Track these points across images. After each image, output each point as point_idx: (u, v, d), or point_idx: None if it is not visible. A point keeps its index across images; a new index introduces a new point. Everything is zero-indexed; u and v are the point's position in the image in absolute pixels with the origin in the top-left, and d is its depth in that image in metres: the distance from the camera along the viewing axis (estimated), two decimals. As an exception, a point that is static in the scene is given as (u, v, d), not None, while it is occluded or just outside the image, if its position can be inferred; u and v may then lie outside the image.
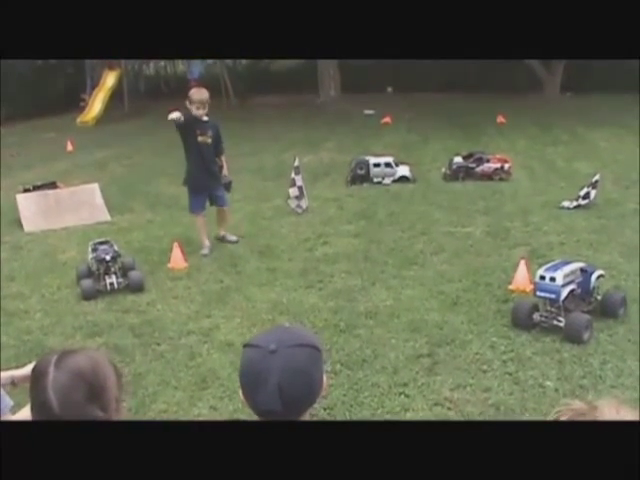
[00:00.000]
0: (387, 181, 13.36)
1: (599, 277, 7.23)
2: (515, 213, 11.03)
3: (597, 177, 11.27)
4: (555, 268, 6.91)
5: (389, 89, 29.11)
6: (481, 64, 24.43)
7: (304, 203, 11.50)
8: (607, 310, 7.06)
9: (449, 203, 11.79)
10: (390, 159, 13.64)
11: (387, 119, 21.94)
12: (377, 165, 13.42)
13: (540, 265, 7.38)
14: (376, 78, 28.13)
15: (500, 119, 20.77)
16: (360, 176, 13.42)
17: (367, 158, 13.69)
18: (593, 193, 11.15)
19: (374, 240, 9.93)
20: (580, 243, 9.46)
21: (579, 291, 7.02)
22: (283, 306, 7.76)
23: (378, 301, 7.77)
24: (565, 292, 6.78)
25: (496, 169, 13.34)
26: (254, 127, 22.39)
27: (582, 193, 11.20)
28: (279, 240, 10.19)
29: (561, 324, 6.72)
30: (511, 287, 7.89)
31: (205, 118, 9.44)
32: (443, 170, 13.78)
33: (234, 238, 10.16)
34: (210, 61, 29.80)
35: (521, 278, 7.90)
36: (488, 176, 13.29)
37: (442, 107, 24.48)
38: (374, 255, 9.29)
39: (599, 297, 7.17)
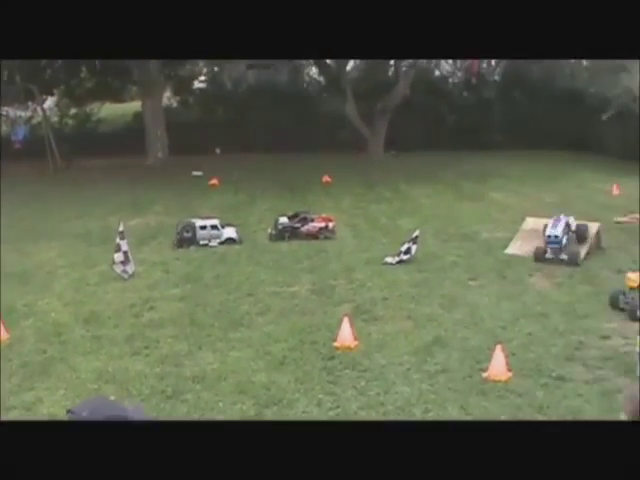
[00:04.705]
0: (214, 243, 13.39)
1: None
2: (340, 271, 11.29)
3: (417, 232, 11.73)
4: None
5: (217, 150, 29.22)
6: (305, 124, 24.99)
7: (130, 268, 11.34)
8: None
9: (275, 263, 11.95)
10: (216, 221, 13.70)
11: (214, 181, 21.93)
12: (203, 227, 13.44)
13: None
14: (204, 139, 28.17)
15: (326, 178, 21.20)
16: (187, 239, 13.39)
17: (193, 221, 13.70)
18: (414, 248, 11.60)
19: (200, 303, 9.91)
20: (402, 297, 9.80)
21: None
22: (109, 375, 7.61)
23: (205, 365, 7.75)
24: None
25: (321, 228, 13.65)
26: (80, 190, 21.88)
27: (403, 248, 11.62)
28: (105, 306, 9.99)
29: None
30: (336, 344, 8.04)
31: None
32: (269, 230, 13.96)
33: None
34: (35, 122, 29.20)
35: (345, 334, 8.07)
36: (313, 235, 13.57)
37: (269, 167, 24.79)
38: (200, 318, 9.27)
39: None
